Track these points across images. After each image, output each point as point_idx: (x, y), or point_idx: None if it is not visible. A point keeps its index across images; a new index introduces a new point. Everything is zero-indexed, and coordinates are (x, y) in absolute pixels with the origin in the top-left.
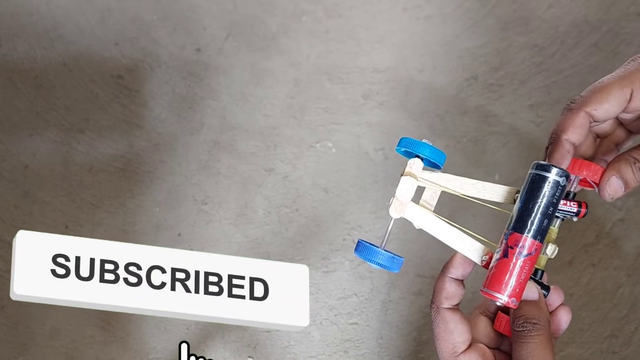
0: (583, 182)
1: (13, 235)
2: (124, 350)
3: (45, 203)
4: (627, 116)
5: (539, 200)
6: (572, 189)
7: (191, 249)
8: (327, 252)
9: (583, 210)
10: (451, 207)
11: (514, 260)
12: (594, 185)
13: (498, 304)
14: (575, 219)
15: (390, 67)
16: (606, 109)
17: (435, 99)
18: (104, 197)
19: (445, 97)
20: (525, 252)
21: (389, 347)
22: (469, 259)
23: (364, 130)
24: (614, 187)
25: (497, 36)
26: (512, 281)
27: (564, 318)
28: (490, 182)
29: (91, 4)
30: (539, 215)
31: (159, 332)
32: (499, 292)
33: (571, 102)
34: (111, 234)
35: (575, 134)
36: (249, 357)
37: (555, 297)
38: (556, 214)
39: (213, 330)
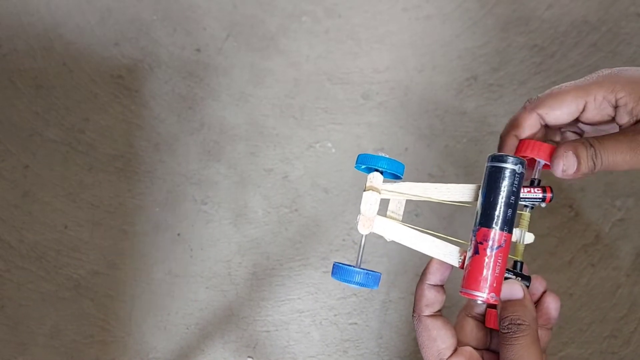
0: (547, 166)
1: (13, 235)
2: (124, 350)
3: (45, 203)
4: (585, 127)
5: (500, 192)
6: (535, 176)
7: (191, 249)
8: (327, 252)
9: (548, 194)
10: (450, 208)
11: (486, 254)
12: (547, 163)
13: (479, 302)
14: (543, 204)
15: (390, 67)
16: (557, 115)
17: (435, 99)
18: (104, 197)
19: (445, 97)
20: (495, 245)
21: (389, 347)
22: (445, 263)
23: (364, 130)
24: (569, 162)
25: (497, 36)
26: (488, 277)
27: (551, 305)
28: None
29: (91, 4)
30: (502, 206)
31: (158, 332)
32: (477, 290)
33: (528, 101)
34: (111, 233)
35: (524, 133)
36: (249, 357)
37: (537, 286)
38: (523, 203)
39: (213, 330)
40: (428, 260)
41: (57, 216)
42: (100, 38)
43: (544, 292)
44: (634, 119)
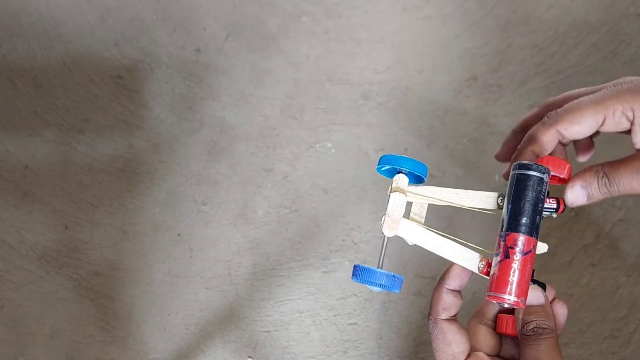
0: (552, 179)
1: (13, 235)
2: (124, 350)
3: (45, 203)
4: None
5: (528, 198)
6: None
7: (191, 249)
8: (327, 252)
9: (562, 206)
10: (450, 209)
11: (515, 259)
12: (562, 179)
13: (506, 305)
14: (555, 215)
15: (390, 67)
16: (576, 130)
17: (435, 100)
18: (103, 197)
19: (445, 97)
20: (524, 250)
21: (389, 348)
22: (466, 269)
23: (364, 130)
24: (576, 195)
25: (497, 36)
26: (517, 281)
27: (560, 312)
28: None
29: (91, 4)
30: (530, 212)
31: (159, 332)
32: (507, 294)
33: (547, 117)
34: (111, 234)
35: (542, 148)
36: (249, 357)
37: (547, 294)
38: None
39: (213, 330)
40: (427, 261)
41: (57, 216)
42: (100, 38)
43: (553, 300)
44: None
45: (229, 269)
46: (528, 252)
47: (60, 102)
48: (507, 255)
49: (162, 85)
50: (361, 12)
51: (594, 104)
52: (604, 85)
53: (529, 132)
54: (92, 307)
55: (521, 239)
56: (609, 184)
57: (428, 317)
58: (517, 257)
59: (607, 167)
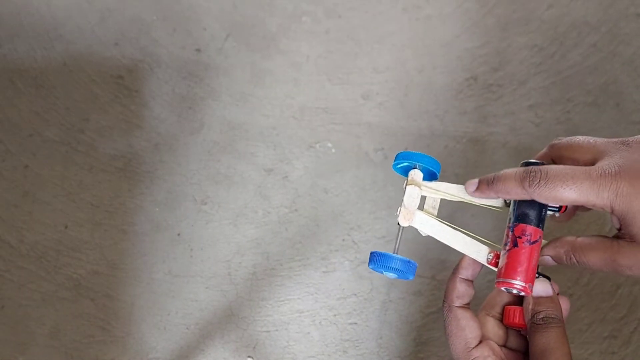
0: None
1: (13, 235)
2: (124, 350)
3: (45, 203)
4: None
5: None
6: None
7: (191, 249)
8: (327, 252)
9: (564, 206)
10: (451, 208)
11: (523, 247)
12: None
13: (514, 291)
14: (557, 214)
15: (390, 67)
16: (558, 202)
17: (435, 100)
18: (104, 197)
19: (445, 97)
20: (531, 239)
21: (388, 347)
22: (476, 260)
23: (364, 130)
24: (544, 262)
25: (497, 36)
26: (525, 267)
27: (564, 306)
28: None
29: (91, 4)
30: (537, 205)
31: (158, 332)
32: (515, 279)
33: (531, 176)
34: (111, 233)
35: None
36: (249, 357)
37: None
38: None
39: (213, 330)
40: (427, 261)
41: (57, 216)
42: (101, 38)
43: (557, 295)
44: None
45: (228, 268)
46: (535, 242)
47: (61, 102)
48: (515, 244)
49: (162, 85)
50: (361, 12)
51: (578, 193)
52: (607, 145)
53: (501, 178)
54: (92, 307)
55: (529, 229)
56: (578, 264)
57: (442, 305)
58: (525, 245)
59: (578, 252)
